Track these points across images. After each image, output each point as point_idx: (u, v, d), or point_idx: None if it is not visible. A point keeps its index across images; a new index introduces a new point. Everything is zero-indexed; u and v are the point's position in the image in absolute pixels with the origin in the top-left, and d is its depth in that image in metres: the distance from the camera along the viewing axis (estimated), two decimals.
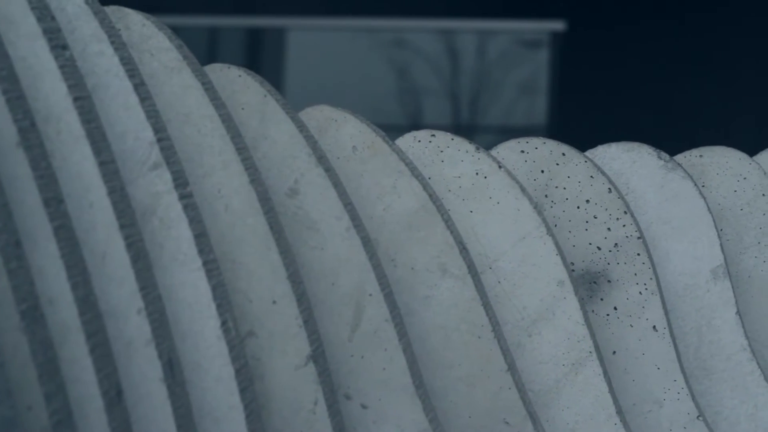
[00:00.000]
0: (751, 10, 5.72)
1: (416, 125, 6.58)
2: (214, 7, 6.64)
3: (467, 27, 6.63)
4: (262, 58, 7.02)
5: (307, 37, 6.82)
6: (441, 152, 1.21)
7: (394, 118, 6.61)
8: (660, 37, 5.88)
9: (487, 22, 6.56)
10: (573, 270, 1.25)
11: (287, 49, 6.85)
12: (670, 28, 5.88)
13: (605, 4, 6.02)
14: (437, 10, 6.45)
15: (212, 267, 1.00)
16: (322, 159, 1.09)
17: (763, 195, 1.36)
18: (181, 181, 1.00)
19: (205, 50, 7.13)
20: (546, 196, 1.25)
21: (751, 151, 1.48)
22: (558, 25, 6.31)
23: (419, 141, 1.21)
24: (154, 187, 0.99)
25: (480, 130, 6.72)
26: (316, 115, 1.16)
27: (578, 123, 5.93)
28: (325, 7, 6.40)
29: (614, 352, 1.25)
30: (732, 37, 5.82)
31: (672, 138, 5.71)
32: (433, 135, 1.20)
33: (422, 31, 6.71)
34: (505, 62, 6.70)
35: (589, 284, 1.25)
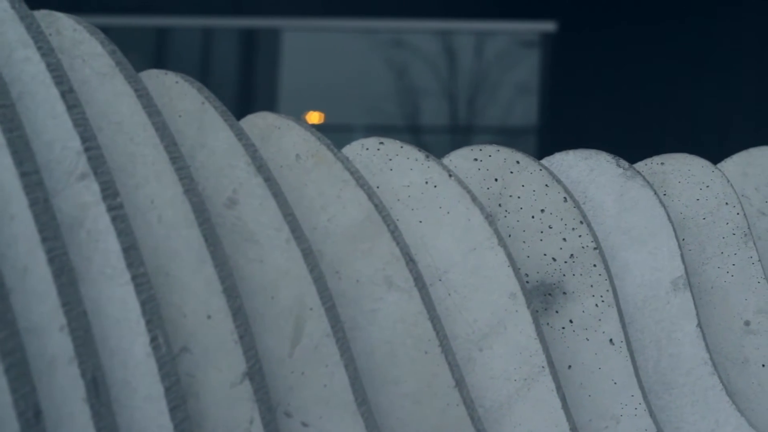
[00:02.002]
0: (744, 11, 5.70)
1: (397, 125, 6.56)
2: (208, 7, 6.62)
3: (458, 27, 6.62)
4: (257, 59, 7.01)
5: (303, 38, 6.81)
6: (390, 160, 1.18)
7: (385, 118, 6.60)
8: (651, 38, 5.87)
9: (477, 23, 6.54)
10: (527, 281, 1.23)
11: (283, 49, 6.85)
12: (662, 29, 5.86)
13: (596, 6, 6.01)
14: (425, 11, 6.43)
15: (142, 281, 0.97)
16: (261, 168, 1.07)
17: (727, 204, 1.34)
18: (110, 192, 0.97)
19: (199, 51, 7.12)
20: (500, 205, 1.23)
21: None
22: (549, 26, 6.30)
23: (367, 149, 1.18)
24: (81, 198, 0.97)
25: (469, 131, 6.70)
26: (259, 123, 1.13)
27: (570, 123, 5.92)
28: (320, 7, 6.39)
29: (570, 367, 1.23)
30: (725, 38, 5.80)
31: (665, 138, 5.69)
32: (382, 143, 1.18)
33: (412, 32, 6.69)
34: (496, 63, 6.68)
35: (543, 296, 1.23)
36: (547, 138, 6.19)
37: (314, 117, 6.93)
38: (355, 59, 6.63)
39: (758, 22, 5.75)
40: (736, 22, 5.76)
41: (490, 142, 1.23)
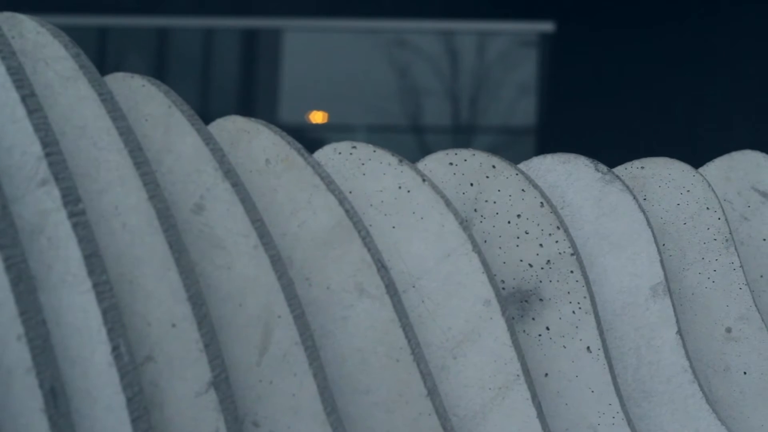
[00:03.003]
0: (744, 12, 5.69)
1: (400, 125, 6.56)
2: (210, 8, 6.62)
3: (457, 28, 6.61)
4: (259, 59, 7.01)
5: (305, 39, 6.81)
6: (362, 165, 1.17)
7: (388, 118, 6.60)
8: (651, 39, 5.86)
9: (476, 23, 6.53)
10: (503, 288, 1.21)
11: (285, 50, 6.85)
12: (662, 30, 5.85)
13: (595, 6, 6.00)
14: (425, 12, 6.43)
15: (104, 289, 0.96)
16: (229, 173, 1.05)
17: (708, 208, 1.33)
18: (71, 198, 0.96)
19: (200, 51, 7.11)
20: (475, 210, 1.22)
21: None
22: (547, 26, 6.29)
23: (340, 153, 1.17)
24: (42, 205, 0.95)
25: (468, 130, 6.70)
26: (228, 127, 1.12)
27: (568, 124, 5.91)
28: (321, 8, 6.39)
29: (546, 375, 1.21)
30: (726, 38, 5.79)
31: (664, 139, 5.68)
32: (354, 147, 1.16)
33: (411, 32, 6.69)
34: (495, 63, 6.68)
35: (520, 303, 1.21)
36: (545, 138, 6.18)
37: (318, 116, 6.93)
38: (358, 59, 6.62)
39: (758, 23, 5.74)
40: (735, 22, 5.75)
41: (470, 146, 1.22)
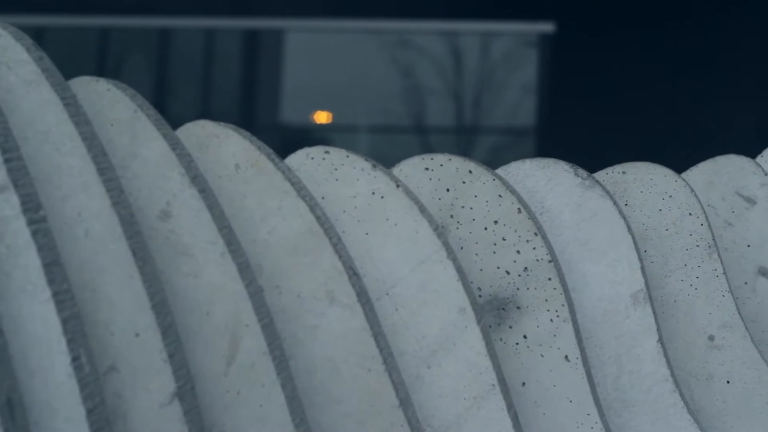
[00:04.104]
0: (743, 13, 5.67)
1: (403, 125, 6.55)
2: (211, 8, 6.61)
3: (456, 28, 6.60)
4: (261, 59, 7.01)
5: (307, 39, 6.81)
6: (335, 170, 1.15)
7: (382, 119, 6.59)
8: (651, 40, 5.84)
9: (475, 23, 6.52)
10: (480, 295, 1.19)
11: (288, 50, 6.85)
12: (662, 31, 5.84)
13: (595, 7, 5.98)
14: (425, 12, 6.42)
15: (64, 298, 0.94)
16: (196, 179, 1.03)
17: (690, 214, 1.30)
18: (31, 205, 0.94)
19: (202, 52, 7.11)
20: (452, 216, 1.20)
21: (753, 154, 1.42)
22: (547, 27, 6.27)
23: (312, 158, 1.15)
24: (0, 212, 0.93)
25: (467, 130, 6.69)
26: (197, 132, 1.10)
27: (568, 124, 5.89)
28: (324, 9, 6.39)
29: (524, 384, 1.19)
30: (726, 40, 5.78)
31: (664, 140, 5.67)
32: (327, 152, 1.14)
33: (411, 33, 6.68)
34: (495, 63, 6.67)
35: (497, 311, 1.19)
36: (545, 139, 6.16)
37: (322, 116, 6.93)
38: (361, 59, 6.62)
39: (759, 24, 5.72)
40: (736, 23, 5.73)
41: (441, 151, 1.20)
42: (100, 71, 6.93)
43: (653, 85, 5.75)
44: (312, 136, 7.01)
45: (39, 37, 6.79)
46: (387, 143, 6.81)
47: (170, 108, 6.94)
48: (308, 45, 6.76)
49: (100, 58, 6.94)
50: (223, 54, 7.03)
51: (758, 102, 5.61)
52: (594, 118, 5.80)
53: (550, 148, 6.08)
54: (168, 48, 7.11)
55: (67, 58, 6.84)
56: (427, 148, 6.58)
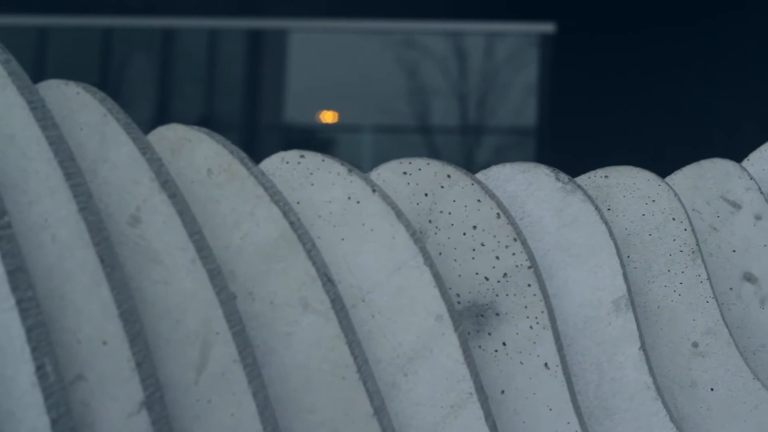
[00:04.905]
0: (743, 13, 5.65)
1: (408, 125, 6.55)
2: (216, 8, 6.60)
3: (456, 29, 6.58)
4: (265, 60, 7.01)
5: (312, 39, 6.81)
6: (311, 174, 1.13)
7: (386, 119, 6.59)
8: (651, 40, 5.82)
9: (475, 24, 6.50)
10: (459, 302, 1.17)
11: (292, 51, 6.85)
12: (662, 31, 5.81)
13: (595, 7, 5.96)
14: (425, 12, 6.40)
15: (29, 306, 0.92)
16: (166, 184, 1.01)
17: (674, 219, 1.28)
18: None
19: (206, 52, 7.11)
20: (430, 221, 1.17)
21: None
22: (548, 27, 6.25)
23: (287, 162, 1.13)
24: None
25: (466, 130, 6.67)
26: (169, 136, 1.08)
27: (568, 125, 5.87)
28: (329, 9, 6.38)
29: (503, 392, 1.17)
30: (728, 39, 5.75)
31: (664, 141, 5.64)
32: (303, 156, 1.12)
33: (411, 33, 6.67)
34: (495, 64, 6.65)
35: (476, 317, 1.17)
36: (545, 140, 6.14)
37: (328, 116, 6.92)
38: (365, 59, 6.62)
39: (762, 24, 5.69)
40: (738, 23, 5.70)
41: (420, 155, 1.17)
42: (104, 72, 6.92)
43: (653, 86, 5.73)
44: (316, 136, 7.00)
45: (43, 38, 6.78)
46: (391, 143, 6.80)
47: (175, 108, 6.93)
48: (313, 45, 6.75)
49: (104, 59, 6.93)
50: (228, 54, 7.03)
51: (761, 102, 5.59)
52: (594, 118, 5.78)
53: (551, 148, 6.07)
54: (172, 48, 7.10)
55: (71, 59, 6.83)
56: (431, 148, 6.57)
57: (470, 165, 6.10)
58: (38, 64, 6.82)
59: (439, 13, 6.39)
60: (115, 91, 6.84)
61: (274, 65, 6.90)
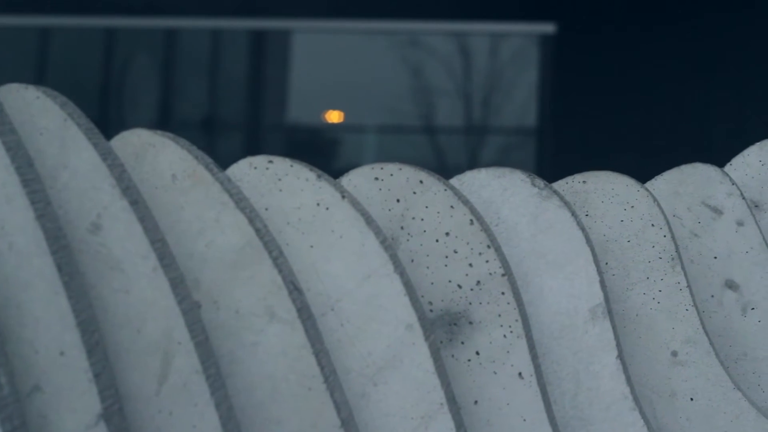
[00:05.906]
0: (743, 13, 5.62)
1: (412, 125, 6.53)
2: (218, 8, 6.58)
3: (456, 29, 6.56)
4: (269, 60, 7.00)
5: (316, 40, 6.79)
6: (279, 180, 1.10)
7: (391, 119, 6.58)
8: (651, 40, 5.79)
9: (475, 24, 6.48)
10: (431, 310, 1.14)
11: (296, 51, 6.84)
12: (662, 31, 5.79)
13: (595, 8, 5.94)
14: (425, 13, 6.38)
15: None
16: (128, 190, 0.99)
17: (653, 225, 1.25)
18: None
19: (209, 52, 7.10)
20: (402, 228, 1.15)
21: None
22: (548, 28, 6.23)
23: (255, 168, 1.10)
24: None
25: (466, 131, 6.65)
26: (133, 141, 1.05)
27: (568, 125, 5.85)
28: (332, 9, 6.37)
29: (476, 402, 1.14)
30: (729, 38, 5.73)
31: (664, 141, 5.61)
32: (271, 161, 1.09)
33: (411, 34, 6.65)
34: (495, 64, 6.63)
35: (448, 326, 1.14)
36: (545, 140, 6.12)
37: (334, 116, 6.91)
38: (369, 60, 6.60)
39: (764, 24, 5.66)
40: (739, 23, 5.67)
41: (393, 161, 1.15)
42: (107, 72, 6.91)
43: (654, 86, 5.71)
44: (320, 136, 6.99)
45: (45, 38, 6.76)
46: (396, 143, 6.79)
47: (177, 109, 6.92)
48: (317, 46, 6.74)
49: (107, 59, 6.91)
50: (233, 54, 7.01)
51: (764, 102, 5.56)
52: (594, 119, 5.76)
53: (550, 148, 6.04)
54: (175, 48, 7.09)
55: (74, 59, 6.81)
56: (435, 147, 6.55)
57: (474, 165, 6.08)
58: (40, 64, 6.81)
59: (441, 13, 6.37)
60: (117, 91, 6.82)
61: (278, 66, 6.88)
